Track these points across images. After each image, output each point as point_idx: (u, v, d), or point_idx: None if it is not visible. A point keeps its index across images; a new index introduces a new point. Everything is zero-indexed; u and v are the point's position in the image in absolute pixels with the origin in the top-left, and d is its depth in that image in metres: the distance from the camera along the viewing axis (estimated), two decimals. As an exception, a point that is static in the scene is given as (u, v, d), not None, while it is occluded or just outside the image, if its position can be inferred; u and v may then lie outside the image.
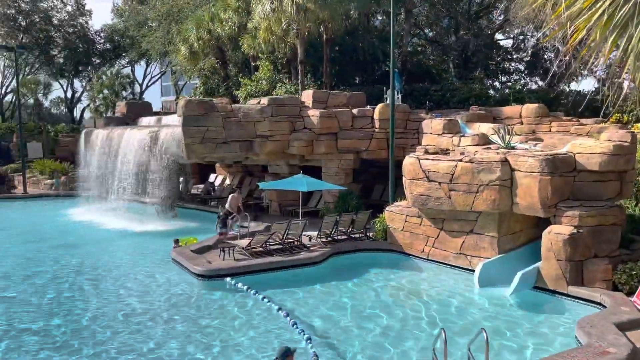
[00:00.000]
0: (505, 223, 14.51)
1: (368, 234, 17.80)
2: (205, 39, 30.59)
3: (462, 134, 18.23)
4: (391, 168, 18.43)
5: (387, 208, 17.33)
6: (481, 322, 11.28)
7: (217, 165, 30.22)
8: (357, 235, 17.80)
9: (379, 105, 21.23)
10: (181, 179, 27.76)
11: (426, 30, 37.51)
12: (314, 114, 21.27)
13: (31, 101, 56.69)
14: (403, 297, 13.18)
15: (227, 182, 28.89)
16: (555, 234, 12.70)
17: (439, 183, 14.85)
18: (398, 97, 22.45)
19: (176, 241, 17.30)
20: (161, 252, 17.37)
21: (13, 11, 48.22)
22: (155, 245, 18.71)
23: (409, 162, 15.81)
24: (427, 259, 15.83)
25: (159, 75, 57.63)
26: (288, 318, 11.32)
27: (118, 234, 21.21)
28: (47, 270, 15.97)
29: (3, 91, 54.61)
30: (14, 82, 49.91)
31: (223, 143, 21.06)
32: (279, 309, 11.89)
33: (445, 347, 8.02)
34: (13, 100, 54.98)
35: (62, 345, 10.33)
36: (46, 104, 61.51)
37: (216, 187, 28.65)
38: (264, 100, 21.82)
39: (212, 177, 30.66)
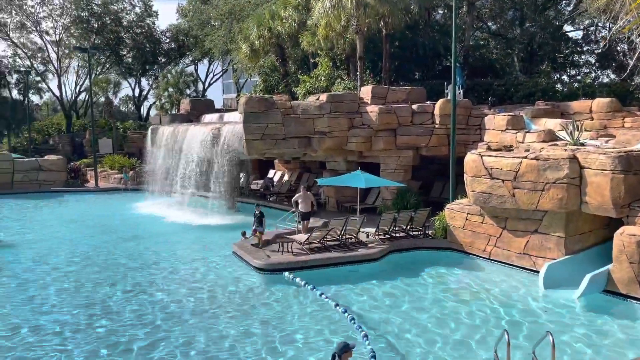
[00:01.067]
0: (573, 223, 13.87)
1: (427, 231, 17.53)
2: (265, 36, 31.05)
3: (527, 130, 17.57)
4: (452, 165, 18.04)
5: (447, 206, 16.99)
6: (546, 325, 10.86)
7: (276, 161, 30.68)
8: (415, 233, 17.56)
9: (440, 101, 20.82)
10: (242, 175, 28.38)
11: (489, 23, 36.37)
12: (372, 110, 21.14)
13: (102, 99, 59.65)
14: (463, 297, 12.89)
15: (286, 178, 29.27)
16: (629, 236, 12.02)
17: (502, 180, 14.39)
18: (459, 92, 21.94)
19: (243, 234, 17.75)
20: (222, 245, 17.84)
21: (86, 14, 50.87)
22: (216, 239, 19.24)
23: (470, 158, 15.41)
24: (489, 259, 15.40)
25: (220, 73, 59.09)
26: (346, 314, 11.33)
27: (181, 227, 21.96)
28: (115, 260, 16.78)
29: (77, 90, 57.85)
30: (87, 82, 52.71)
31: (282, 139, 21.33)
32: (337, 304, 11.93)
33: (508, 349, 7.77)
34: (86, 98, 58.11)
35: (128, 332, 10.83)
36: (116, 102, 64.55)
37: (275, 183, 29.10)
38: (323, 97, 21.90)
39: (271, 173, 31.16)
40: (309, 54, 31.29)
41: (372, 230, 17.25)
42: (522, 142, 16.76)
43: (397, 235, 17.40)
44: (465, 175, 15.74)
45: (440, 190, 22.56)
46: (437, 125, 20.62)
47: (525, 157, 13.99)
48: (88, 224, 23.40)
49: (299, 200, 17.72)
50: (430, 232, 17.46)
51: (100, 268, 15.83)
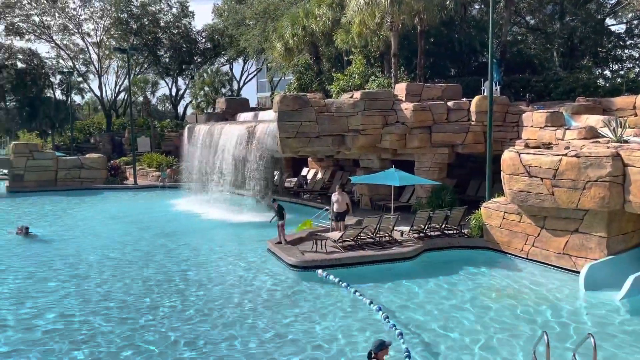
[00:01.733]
0: (615, 222, 13.44)
1: (463, 230, 17.29)
2: (299, 35, 31.18)
3: (567, 127, 17.11)
4: (488, 163, 17.73)
5: (483, 204, 16.71)
6: (587, 327, 10.57)
7: (309, 159, 30.79)
8: (451, 232, 17.35)
9: (476, 98, 20.47)
10: (276, 173, 28.61)
11: (528, 18, 35.54)
12: (407, 107, 20.97)
13: (140, 99, 61.09)
14: (500, 297, 12.67)
15: (319, 176, 29.34)
16: (676, 236, 11.56)
17: (541, 179, 14.06)
18: (496, 89, 21.53)
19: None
20: (257, 242, 18.03)
21: (125, 15, 52.16)
22: (251, 235, 19.46)
23: (508, 156, 15.12)
24: (527, 259, 15.08)
25: (255, 72, 59.67)
26: (380, 312, 11.30)
27: (217, 224, 22.31)
28: (152, 256, 17.17)
29: (117, 90, 59.45)
30: (126, 82, 54.05)
31: (316, 137, 21.39)
32: (371, 302, 11.90)
33: (547, 350, 7.60)
34: (125, 98, 59.62)
35: (165, 327, 11.08)
36: (153, 101, 66.00)
37: (308, 181, 29.21)
38: (357, 95, 21.85)
39: (304, 171, 31.29)
40: (342, 51, 31.26)
41: (406, 228, 17.12)
42: (562, 140, 16.32)
43: (432, 234, 17.22)
44: (502, 173, 15.44)
45: (476, 189, 22.21)
46: (473, 123, 20.29)
47: (566, 155, 13.62)
48: (127, 220, 24.01)
49: (334, 200, 17.71)
50: (465, 231, 17.21)
51: (139, 263, 16.22)
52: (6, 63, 53.75)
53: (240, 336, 10.50)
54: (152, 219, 23.87)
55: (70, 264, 16.29)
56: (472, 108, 20.32)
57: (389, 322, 10.77)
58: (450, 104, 20.95)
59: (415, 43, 27.54)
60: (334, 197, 17.80)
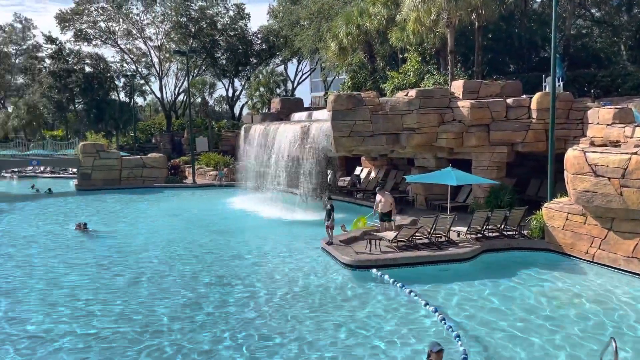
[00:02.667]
0: (691, 225, 12.60)
1: (522, 231, 16.72)
2: (354, 34, 31.11)
3: (636, 124, 16.19)
4: (550, 161, 17.04)
5: (545, 205, 16.09)
6: (659, 336, 9.96)
7: (362, 158, 30.67)
8: (510, 233, 16.82)
9: (537, 94, 19.73)
10: (329, 172, 28.69)
11: (593, 10, 33.90)
12: (464, 104, 20.50)
13: (199, 100, 62.84)
14: (562, 301, 12.15)
15: (373, 175, 29.19)
16: None
17: (608, 178, 13.38)
18: (559, 85, 20.66)
19: (343, 227, 18.04)
20: (311, 241, 18.14)
21: (185, 19, 53.83)
22: (305, 234, 19.60)
23: (572, 155, 14.48)
24: (592, 262, 14.39)
25: (309, 72, 60.07)
26: (436, 313, 11.10)
27: (271, 222, 22.62)
28: (209, 252, 17.61)
29: (176, 92, 61.45)
30: (185, 83, 55.77)
31: (370, 136, 21.28)
32: (426, 303, 11.71)
33: (615, 358, 7.22)
34: (184, 99, 61.52)
35: (222, 323, 11.34)
36: (211, 102, 67.75)
37: (361, 180, 29.11)
38: (412, 93, 21.56)
39: (357, 170, 31.21)
40: (397, 49, 30.94)
41: (463, 229, 16.75)
42: (631, 137, 15.47)
43: (490, 235, 16.76)
44: (565, 172, 14.82)
45: (536, 189, 21.42)
46: (534, 120, 19.57)
47: (635, 153, 12.91)
48: (185, 217, 24.77)
49: (378, 201, 17.57)
50: (525, 232, 16.63)
51: (196, 260, 16.69)
52: (75, 68, 56.69)
53: (290, 335, 10.58)
54: (209, 217, 24.51)
55: (130, 257, 16.97)
56: (533, 105, 19.60)
57: (445, 324, 10.57)
58: (509, 101, 20.30)
59: (472, 39, 26.88)
60: (378, 197, 17.73)
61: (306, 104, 42.62)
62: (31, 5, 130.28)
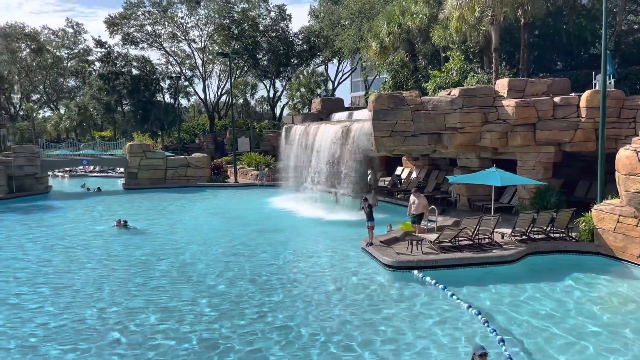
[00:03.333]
0: None
1: (570, 234, 16.18)
2: (395, 33, 30.88)
3: (695, 122, 15.41)
4: (600, 162, 16.43)
5: (594, 206, 15.52)
6: None
7: (403, 158, 30.40)
8: (557, 235, 16.31)
9: (587, 92, 19.06)
10: (369, 172, 28.57)
11: (646, 4, 32.46)
12: (509, 103, 20.01)
13: (241, 101, 63.75)
14: (613, 305, 11.69)
15: (414, 175, 28.88)
16: None
17: (663, 179, 12.78)
18: (610, 82, 19.89)
19: (389, 227, 18.00)
20: (351, 241, 18.12)
21: (227, 21, 54.74)
22: (344, 234, 19.58)
23: (624, 155, 13.92)
24: (645, 267, 13.79)
25: (349, 72, 60.00)
26: (479, 316, 10.89)
27: (311, 222, 22.71)
28: (249, 251, 17.84)
29: (219, 93, 62.55)
30: (227, 85, 56.70)
31: (411, 136, 21.06)
32: (469, 306, 11.50)
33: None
34: (227, 100, 62.56)
35: (261, 321, 11.47)
36: (252, 103, 68.65)
37: (402, 180, 28.86)
38: (455, 92, 21.21)
39: (398, 170, 30.95)
40: (439, 48, 30.51)
41: (507, 230, 16.35)
42: (689, 136, 14.75)
43: (536, 237, 16.30)
44: (617, 173, 14.25)
45: (585, 190, 20.70)
46: (583, 119, 18.91)
47: (693, 153, 12.28)
48: (227, 216, 25.18)
49: (411, 203, 17.31)
50: (573, 234, 16.09)
51: (235, 258, 16.94)
52: (123, 70, 58.57)
53: (330, 335, 10.59)
54: (250, 216, 24.82)
55: (172, 254, 17.39)
56: (582, 104, 18.94)
57: (488, 327, 10.35)
58: (557, 99, 19.68)
59: (517, 36, 26.23)
60: (412, 198, 17.53)
61: (346, 103, 42.60)
62: (82, 11, 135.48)
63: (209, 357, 9.67)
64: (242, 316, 11.66)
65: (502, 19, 23.83)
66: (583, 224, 15.76)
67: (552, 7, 26.85)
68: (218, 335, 10.62)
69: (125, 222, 22.41)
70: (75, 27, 70.84)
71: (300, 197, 27.69)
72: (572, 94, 20.23)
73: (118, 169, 46.60)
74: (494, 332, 10.03)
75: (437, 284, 13.04)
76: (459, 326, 10.71)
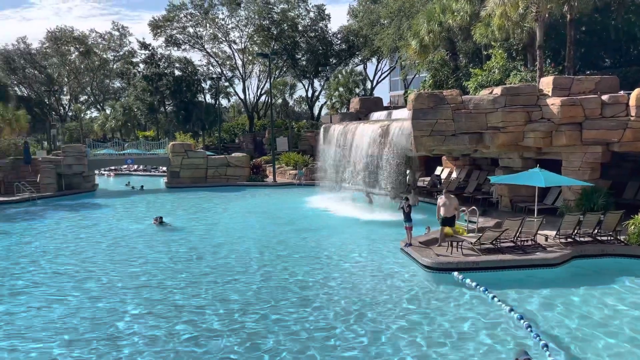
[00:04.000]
0: None
1: (618, 237, 15.59)
2: (435, 31, 30.48)
3: None
4: (651, 162, 15.77)
5: (644, 209, 14.92)
6: None
7: (443, 158, 29.97)
8: (604, 238, 15.75)
9: (637, 90, 18.31)
10: (408, 171, 28.30)
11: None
12: (553, 102, 19.44)
13: (280, 101, 64.23)
14: (665, 314, 11.19)
15: (454, 175, 28.44)
16: None
17: None
18: (662, 79, 19.05)
19: (428, 228, 17.79)
20: (389, 241, 17.99)
21: (267, 22, 55.27)
22: (383, 234, 19.47)
23: (677, 155, 13.30)
24: (700, 273, 13.15)
25: (388, 71, 59.58)
26: (522, 321, 10.62)
27: (349, 221, 22.66)
28: (286, 250, 17.95)
29: (258, 93, 63.25)
30: (267, 85, 57.26)
31: (452, 135, 20.73)
32: (511, 309, 11.24)
33: None
34: (266, 100, 63.18)
35: (300, 322, 11.52)
36: (291, 103, 69.07)
37: (442, 180, 28.45)
38: (497, 90, 20.77)
39: (438, 170, 30.54)
40: (481, 46, 29.94)
41: (551, 233, 15.90)
42: None
43: (582, 239, 15.78)
44: (669, 174, 13.63)
45: (634, 191, 19.91)
46: (632, 118, 18.18)
47: None
48: (265, 215, 25.42)
49: (440, 204, 16.50)
50: (622, 237, 15.50)
51: (273, 257, 17.07)
52: (166, 71, 59.98)
53: (369, 336, 10.55)
54: (288, 215, 24.99)
55: (206, 251, 17.69)
56: (632, 102, 18.21)
57: (531, 331, 10.09)
58: (605, 97, 19.00)
59: (563, 33, 25.47)
60: (440, 200, 16.56)
61: (385, 103, 42.32)
62: (127, 14, 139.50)
63: (259, 356, 9.78)
64: (284, 314, 11.75)
65: (546, 15, 23.18)
66: (632, 227, 15.16)
67: (599, 2, 25.93)
68: (264, 331, 10.73)
69: (161, 218, 22.96)
70: (120, 30, 72.97)
71: (338, 196, 27.68)
72: (621, 92, 19.48)
73: (161, 168, 47.75)
74: (537, 338, 9.77)
75: (477, 286, 12.80)
76: (501, 330, 10.48)
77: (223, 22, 58.39)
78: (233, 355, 9.75)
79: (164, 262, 16.78)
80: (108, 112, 73.49)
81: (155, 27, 58.34)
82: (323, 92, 59.43)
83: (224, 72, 62.46)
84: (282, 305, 12.30)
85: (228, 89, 66.69)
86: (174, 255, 17.54)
